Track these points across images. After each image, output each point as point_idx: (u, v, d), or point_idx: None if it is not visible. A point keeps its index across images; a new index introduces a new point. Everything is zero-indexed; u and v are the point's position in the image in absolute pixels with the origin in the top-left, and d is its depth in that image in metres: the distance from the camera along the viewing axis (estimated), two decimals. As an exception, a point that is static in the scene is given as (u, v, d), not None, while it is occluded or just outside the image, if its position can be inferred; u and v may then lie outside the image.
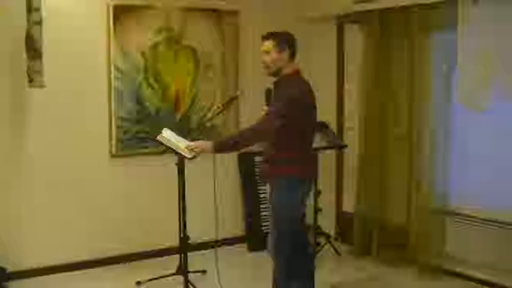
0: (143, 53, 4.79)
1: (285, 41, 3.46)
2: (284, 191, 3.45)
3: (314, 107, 3.54)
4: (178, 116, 4.98)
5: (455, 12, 4.21)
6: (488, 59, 4.14)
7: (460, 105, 4.34)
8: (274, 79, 3.52)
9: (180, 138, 3.89)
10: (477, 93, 4.20)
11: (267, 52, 3.45)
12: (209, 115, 5.03)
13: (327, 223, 5.36)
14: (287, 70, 3.46)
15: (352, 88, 5.23)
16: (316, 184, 4.93)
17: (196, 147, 3.52)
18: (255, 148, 4.21)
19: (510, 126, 4.13)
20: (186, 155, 3.84)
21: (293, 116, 3.32)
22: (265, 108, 3.54)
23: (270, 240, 3.62)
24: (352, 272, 4.69)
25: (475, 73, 4.21)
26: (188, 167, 4.15)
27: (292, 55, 3.48)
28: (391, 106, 4.81)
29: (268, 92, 3.56)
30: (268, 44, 3.45)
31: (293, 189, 3.46)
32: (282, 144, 3.37)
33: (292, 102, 3.33)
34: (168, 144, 3.96)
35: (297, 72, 3.50)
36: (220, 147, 3.47)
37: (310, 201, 4.18)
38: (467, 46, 4.21)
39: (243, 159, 5.30)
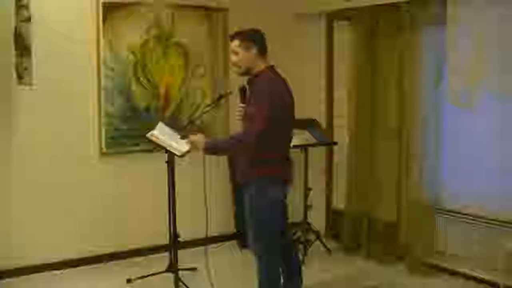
0: (133, 51, 4.77)
1: (251, 38, 3.43)
2: (265, 191, 3.41)
3: (292, 104, 3.51)
4: (168, 113, 4.97)
5: (445, 11, 4.22)
6: (478, 59, 4.16)
7: (451, 104, 4.36)
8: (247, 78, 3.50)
9: (173, 134, 3.89)
10: (468, 93, 4.23)
11: (235, 52, 3.44)
12: (199, 112, 5.03)
13: (317, 220, 5.38)
14: (259, 68, 3.43)
15: (341, 85, 5.24)
16: (306, 182, 4.96)
17: (191, 141, 3.50)
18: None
19: (500, 126, 4.15)
20: (176, 153, 3.85)
21: (275, 117, 3.29)
22: (240, 105, 3.51)
23: (249, 236, 3.62)
24: (342, 269, 4.70)
25: (465, 73, 4.23)
26: (179, 164, 4.14)
27: (261, 52, 3.44)
28: (382, 104, 4.82)
29: (242, 90, 3.53)
30: (235, 44, 3.43)
31: (275, 188, 3.43)
32: (263, 145, 3.31)
33: (273, 104, 3.29)
34: (158, 142, 3.97)
35: (270, 68, 3.47)
36: (211, 152, 3.47)
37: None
38: (457, 46, 4.23)
39: (233, 156, 5.28)
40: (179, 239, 4.22)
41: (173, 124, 4.73)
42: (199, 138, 3.46)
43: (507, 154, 4.10)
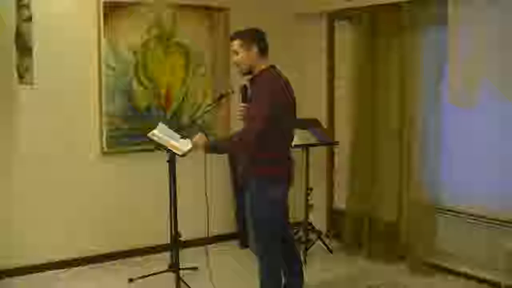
0: (134, 51, 4.78)
1: (252, 38, 3.44)
2: (266, 191, 3.41)
3: (294, 103, 3.52)
4: (169, 113, 4.98)
5: (446, 11, 4.23)
6: (478, 59, 4.16)
7: (451, 104, 4.36)
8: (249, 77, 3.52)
9: (174, 134, 3.90)
10: (468, 93, 4.23)
11: (235, 52, 3.46)
12: (200, 112, 5.03)
13: (319, 219, 5.38)
14: (260, 67, 3.45)
15: (342, 85, 5.24)
16: (307, 181, 4.96)
17: (194, 142, 3.51)
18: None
19: (500, 126, 4.14)
20: (177, 152, 3.86)
21: (275, 117, 3.30)
22: (242, 104, 3.51)
23: (250, 235, 3.63)
24: (343, 269, 4.71)
25: (465, 73, 4.23)
26: (180, 163, 4.15)
27: (262, 51, 3.46)
28: (382, 104, 4.83)
29: (243, 89, 3.53)
30: (235, 44, 3.45)
31: (275, 188, 3.43)
32: (264, 145, 3.32)
33: (274, 103, 3.30)
34: (159, 141, 3.98)
35: (271, 68, 3.48)
36: (213, 151, 3.49)
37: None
38: (458, 46, 4.23)
39: (234, 155, 5.28)
40: (180, 238, 4.21)
41: (174, 124, 4.75)
42: (200, 138, 3.47)
43: (507, 154, 4.11)
